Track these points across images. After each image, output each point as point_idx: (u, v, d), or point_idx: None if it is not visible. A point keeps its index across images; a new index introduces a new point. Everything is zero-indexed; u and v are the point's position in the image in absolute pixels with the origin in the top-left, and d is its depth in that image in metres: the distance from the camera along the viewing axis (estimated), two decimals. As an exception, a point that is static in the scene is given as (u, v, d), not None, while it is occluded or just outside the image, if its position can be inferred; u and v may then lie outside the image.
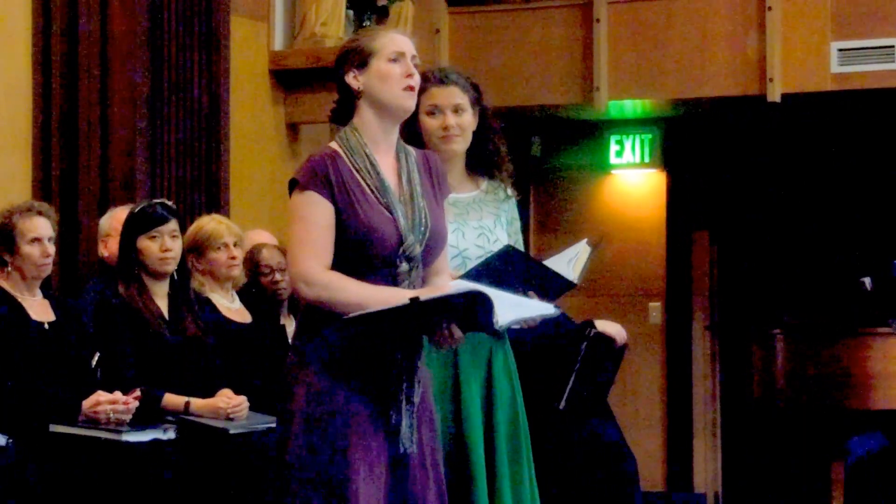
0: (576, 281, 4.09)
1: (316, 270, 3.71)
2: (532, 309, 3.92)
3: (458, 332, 3.70)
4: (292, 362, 3.79)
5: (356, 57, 3.86)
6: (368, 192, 3.79)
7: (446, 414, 4.09)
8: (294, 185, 3.78)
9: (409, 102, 3.86)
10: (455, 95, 4.25)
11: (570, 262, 4.09)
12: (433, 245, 3.84)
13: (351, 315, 3.63)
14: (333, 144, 3.86)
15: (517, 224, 4.39)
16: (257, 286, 5.96)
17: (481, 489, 4.04)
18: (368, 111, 3.86)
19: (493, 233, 4.32)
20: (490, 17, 9.07)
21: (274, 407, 4.98)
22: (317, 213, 3.75)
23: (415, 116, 4.14)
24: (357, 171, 3.80)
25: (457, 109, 4.26)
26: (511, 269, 4.21)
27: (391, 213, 3.79)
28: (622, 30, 8.77)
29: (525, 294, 4.13)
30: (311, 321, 3.78)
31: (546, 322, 6.10)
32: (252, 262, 5.98)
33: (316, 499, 3.69)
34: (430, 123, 4.24)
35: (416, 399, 3.78)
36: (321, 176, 3.75)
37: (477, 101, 4.32)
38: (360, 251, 3.75)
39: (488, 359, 4.17)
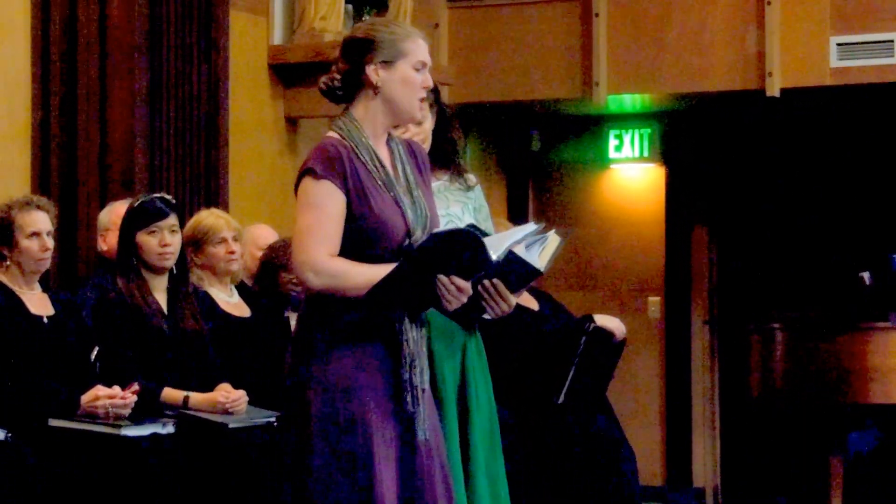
0: (542, 270, 4.05)
1: (324, 258, 3.72)
2: (516, 233, 3.91)
3: (462, 283, 3.71)
4: (299, 357, 3.79)
5: (384, 52, 3.84)
6: (378, 184, 3.80)
7: None
8: (307, 174, 3.77)
9: (419, 114, 3.92)
10: None
11: (528, 246, 4.04)
12: None
13: (364, 294, 3.66)
14: (333, 134, 3.85)
15: (485, 211, 4.39)
16: (271, 280, 5.92)
17: (458, 481, 4.03)
18: (378, 107, 3.86)
19: (461, 220, 4.31)
20: (489, 11, 9.06)
21: (273, 401, 5.01)
22: (330, 203, 3.75)
23: None
24: (363, 163, 3.80)
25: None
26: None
27: (399, 205, 3.81)
28: (621, 24, 8.77)
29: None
30: (319, 314, 3.78)
31: (545, 318, 6.13)
32: (277, 257, 5.92)
33: (341, 495, 3.71)
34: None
35: (427, 386, 3.81)
36: (336, 166, 3.76)
37: (434, 102, 4.30)
38: (370, 243, 3.77)
39: (462, 349, 4.16)
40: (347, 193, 3.76)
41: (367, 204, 3.76)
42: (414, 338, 3.78)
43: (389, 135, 3.94)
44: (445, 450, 3.91)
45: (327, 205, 3.75)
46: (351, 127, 3.84)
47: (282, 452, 3.89)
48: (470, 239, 3.69)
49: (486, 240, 3.75)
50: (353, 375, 3.74)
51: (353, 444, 3.71)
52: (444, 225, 4.14)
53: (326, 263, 3.72)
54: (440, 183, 4.33)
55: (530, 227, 3.92)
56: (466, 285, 3.72)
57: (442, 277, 3.69)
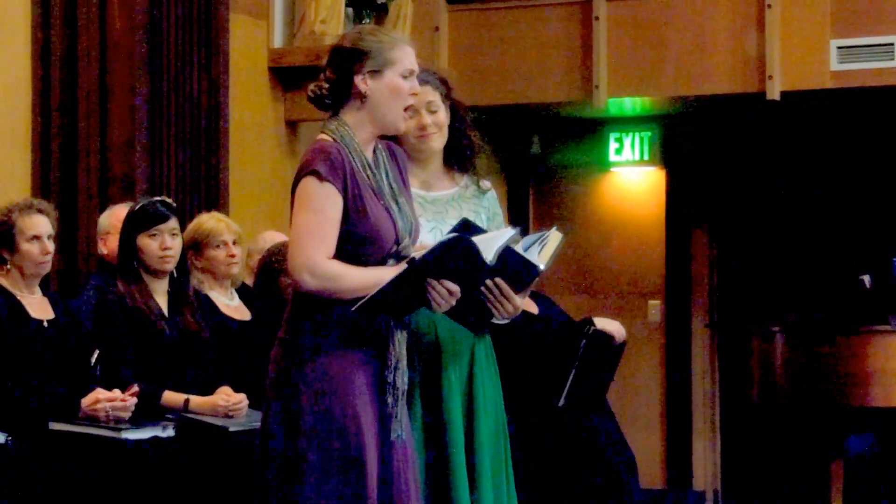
0: (542, 267, 4.04)
1: (322, 260, 3.76)
2: (501, 236, 3.91)
3: (452, 286, 3.76)
4: (288, 357, 3.82)
5: (372, 62, 3.87)
6: (370, 191, 3.84)
7: (426, 405, 4.10)
8: (310, 174, 3.79)
9: (402, 124, 3.95)
10: (427, 94, 4.23)
11: (527, 245, 4.05)
12: (415, 241, 3.93)
13: (360, 304, 3.70)
14: (326, 137, 3.87)
15: (499, 219, 4.37)
16: (271, 284, 5.91)
17: (462, 484, 4.04)
18: (365, 115, 3.90)
19: None
20: (489, 14, 9.07)
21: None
22: (330, 207, 3.78)
23: None
24: (356, 169, 3.84)
25: (431, 108, 4.24)
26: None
27: (389, 212, 3.86)
28: (621, 27, 8.77)
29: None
30: (306, 315, 3.82)
31: (545, 321, 6.13)
32: (277, 261, 5.91)
33: (333, 494, 3.75)
34: (406, 125, 4.22)
35: (406, 387, 3.86)
36: (338, 170, 3.79)
37: (448, 96, 4.31)
38: (362, 248, 3.82)
39: (470, 353, 4.17)
40: (345, 198, 3.79)
41: (363, 210, 3.81)
42: (399, 340, 3.84)
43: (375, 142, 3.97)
44: (414, 450, 3.94)
45: (328, 207, 3.78)
46: (343, 132, 3.88)
47: (264, 451, 3.90)
48: (467, 246, 3.72)
49: (476, 241, 3.77)
50: (344, 376, 3.78)
51: (345, 443, 3.76)
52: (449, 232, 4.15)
53: (324, 265, 3.75)
54: (455, 190, 4.32)
55: (510, 231, 3.93)
56: (456, 288, 3.77)
57: (432, 281, 3.74)
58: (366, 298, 3.71)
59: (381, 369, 3.82)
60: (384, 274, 3.75)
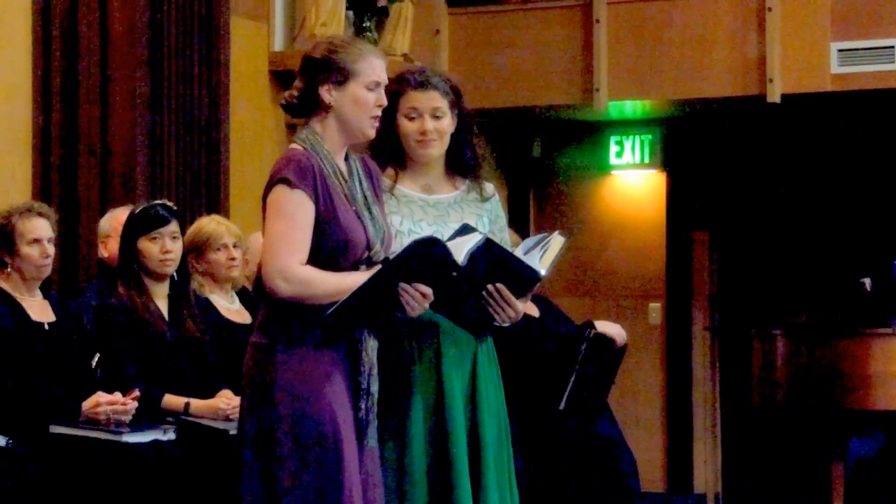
0: (543, 272, 4.04)
1: (295, 266, 3.81)
2: (472, 239, 3.91)
3: (425, 289, 3.80)
4: (264, 363, 3.86)
5: (335, 73, 3.92)
6: (342, 198, 3.88)
7: (428, 408, 4.10)
8: (280, 182, 3.83)
9: (371, 131, 3.98)
10: (435, 100, 4.22)
11: (528, 250, 4.05)
12: (387, 250, 3.96)
13: (334, 308, 3.74)
14: (297, 147, 3.92)
15: (502, 222, 4.36)
16: None
17: (465, 487, 4.04)
18: (332, 124, 3.95)
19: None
20: (490, 17, 9.07)
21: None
22: (302, 214, 3.83)
23: (392, 118, 4.17)
24: (327, 176, 3.89)
25: (435, 114, 4.23)
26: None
27: (361, 219, 3.90)
28: (622, 30, 8.77)
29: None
30: (281, 321, 3.86)
31: (546, 324, 6.13)
32: None
33: (311, 492, 3.78)
34: (408, 127, 4.22)
35: (377, 394, 3.90)
36: (308, 177, 3.84)
37: (456, 104, 4.29)
38: (334, 254, 3.86)
39: (472, 357, 4.17)
40: (317, 204, 3.84)
41: (335, 216, 3.85)
42: (370, 346, 3.88)
43: (347, 151, 4.01)
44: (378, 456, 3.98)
45: (299, 214, 3.83)
46: (314, 140, 3.93)
47: (240, 455, 3.92)
48: (435, 246, 3.75)
49: (449, 244, 3.79)
50: (320, 381, 3.82)
51: (323, 446, 3.80)
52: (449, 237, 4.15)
53: (297, 271, 3.80)
54: (457, 194, 4.31)
55: (479, 235, 3.94)
56: (429, 291, 3.80)
57: (404, 285, 3.77)
58: (339, 303, 3.75)
59: (354, 376, 3.86)
60: (358, 279, 3.80)
